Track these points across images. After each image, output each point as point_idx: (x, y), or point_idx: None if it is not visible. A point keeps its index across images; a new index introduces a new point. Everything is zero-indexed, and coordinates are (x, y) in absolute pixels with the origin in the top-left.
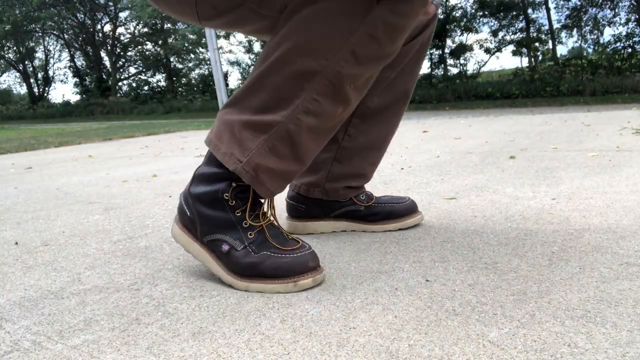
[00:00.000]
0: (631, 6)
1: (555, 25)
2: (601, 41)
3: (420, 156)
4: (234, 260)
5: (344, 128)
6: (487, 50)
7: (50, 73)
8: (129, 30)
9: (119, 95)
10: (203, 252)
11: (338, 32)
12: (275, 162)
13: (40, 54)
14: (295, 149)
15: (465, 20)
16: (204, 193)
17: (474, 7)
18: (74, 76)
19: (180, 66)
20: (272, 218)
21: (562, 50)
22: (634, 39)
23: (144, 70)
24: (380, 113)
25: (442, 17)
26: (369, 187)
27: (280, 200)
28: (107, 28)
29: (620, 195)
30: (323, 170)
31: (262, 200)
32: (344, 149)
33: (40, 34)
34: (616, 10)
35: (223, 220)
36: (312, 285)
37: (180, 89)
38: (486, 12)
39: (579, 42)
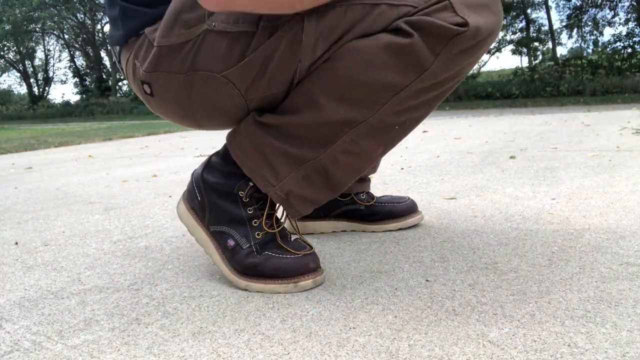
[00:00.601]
0: (631, 6)
1: (556, 25)
2: (601, 41)
3: (420, 156)
4: (237, 257)
5: None
6: (487, 50)
7: (50, 73)
8: None
9: (119, 95)
10: (207, 239)
11: (385, 88)
12: (308, 190)
13: (40, 54)
14: (329, 181)
15: None
16: (218, 184)
17: None
18: (74, 76)
19: None
20: (283, 221)
21: (562, 51)
22: (634, 39)
23: None
24: None
25: None
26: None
27: None
28: (107, 28)
29: (620, 195)
30: None
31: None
32: None
33: (40, 34)
34: (616, 11)
35: (234, 214)
36: (312, 286)
37: None
38: None
39: (579, 42)
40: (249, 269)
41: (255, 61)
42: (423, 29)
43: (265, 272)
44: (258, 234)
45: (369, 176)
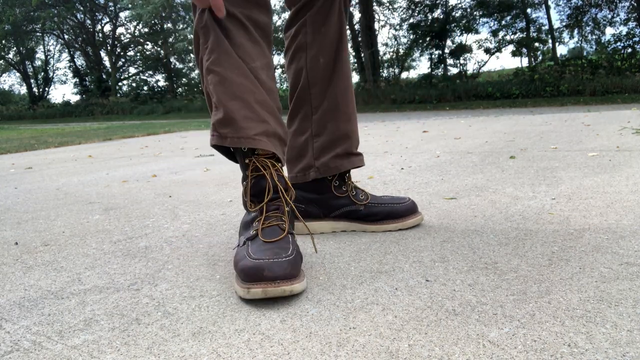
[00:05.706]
0: (631, 6)
1: (557, 25)
2: (602, 41)
3: (420, 156)
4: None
5: (309, 104)
6: (487, 51)
7: (50, 73)
8: (129, 30)
9: (119, 95)
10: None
11: None
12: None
13: (40, 54)
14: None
15: (465, 20)
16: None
17: (474, 7)
18: (74, 76)
19: (180, 66)
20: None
21: (562, 50)
22: (634, 39)
23: (143, 70)
24: (329, 69)
25: (442, 17)
26: (370, 187)
27: None
28: (107, 28)
29: (620, 195)
30: (308, 151)
31: (267, 190)
32: (315, 121)
33: (40, 34)
34: (616, 11)
35: (245, 221)
36: (262, 296)
37: (180, 89)
38: (486, 12)
39: (580, 42)
40: (234, 265)
41: None
42: None
43: (237, 272)
44: (252, 231)
45: (357, 150)
